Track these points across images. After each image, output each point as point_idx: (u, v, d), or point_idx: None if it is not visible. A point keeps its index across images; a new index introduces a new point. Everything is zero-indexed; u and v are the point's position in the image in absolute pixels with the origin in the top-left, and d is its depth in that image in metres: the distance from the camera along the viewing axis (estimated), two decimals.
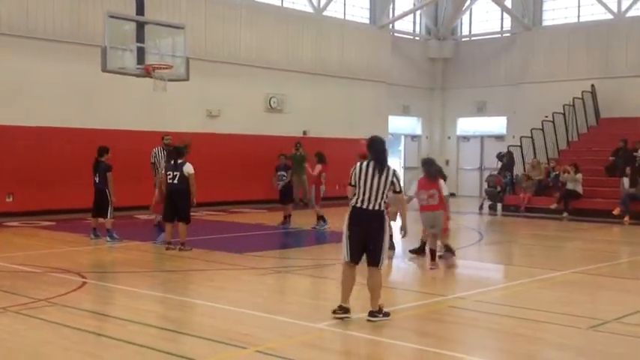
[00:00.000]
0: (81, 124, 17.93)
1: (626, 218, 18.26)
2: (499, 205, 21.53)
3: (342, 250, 7.27)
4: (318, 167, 15.51)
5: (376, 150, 7.30)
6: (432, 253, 10.71)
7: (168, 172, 12.29)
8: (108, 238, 13.13)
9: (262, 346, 6.30)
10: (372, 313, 7.16)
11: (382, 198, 7.15)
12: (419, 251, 11.76)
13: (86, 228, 14.20)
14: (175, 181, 12.13)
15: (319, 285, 9.90)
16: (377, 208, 7.14)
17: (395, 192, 7.30)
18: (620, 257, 13.46)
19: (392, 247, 12.52)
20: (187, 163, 12.18)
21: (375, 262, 7.21)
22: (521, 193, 20.81)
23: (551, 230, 16.37)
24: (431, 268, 10.53)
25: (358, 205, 7.16)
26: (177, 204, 12.17)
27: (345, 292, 7.25)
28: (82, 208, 15.90)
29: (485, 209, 21.72)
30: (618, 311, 7.85)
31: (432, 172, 10.97)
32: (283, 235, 15.57)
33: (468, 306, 7.93)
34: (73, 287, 8.87)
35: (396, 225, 9.39)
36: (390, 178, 7.18)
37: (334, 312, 7.21)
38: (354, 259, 7.23)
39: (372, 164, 7.19)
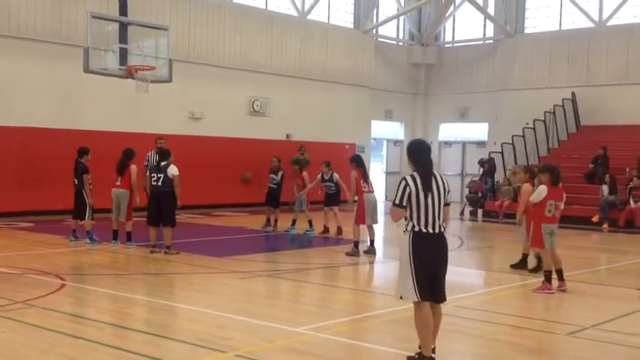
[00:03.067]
0: (62, 125, 17.81)
1: (605, 225, 18.44)
2: (480, 211, 21.65)
3: (402, 289, 5.94)
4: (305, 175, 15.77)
5: (423, 160, 6.00)
6: (560, 272, 9.58)
7: (152, 175, 12.22)
8: (87, 240, 13.04)
9: (243, 350, 6.29)
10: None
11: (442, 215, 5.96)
12: (522, 265, 11.05)
13: (66, 230, 14.10)
14: (159, 183, 12.05)
15: (300, 289, 9.89)
16: (442, 229, 5.97)
17: (446, 204, 5.99)
18: (599, 264, 13.58)
19: (373, 252, 12.58)
20: (172, 165, 12.10)
21: (444, 297, 6.04)
22: (499, 199, 20.94)
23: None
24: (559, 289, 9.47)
25: (423, 230, 5.87)
26: (161, 206, 12.09)
27: (428, 339, 5.90)
28: (62, 209, 15.80)
29: (467, 215, 21.84)
30: (596, 318, 7.93)
31: (559, 178, 9.72)
32: (265, 239, 15.56)
33: (448, 311, 7.95)
34: (52, 289, 8.81)
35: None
36: (447, 189, 5.99)
37: None
38: (426, 295, 5.90)
39: (420, 177, 5.90)
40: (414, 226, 5.88)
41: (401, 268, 5.97)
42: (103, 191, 13.34)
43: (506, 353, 6.60)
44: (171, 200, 12.11)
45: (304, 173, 15.90)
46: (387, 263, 11.91)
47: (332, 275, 11.22)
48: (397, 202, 5.88)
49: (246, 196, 21.08)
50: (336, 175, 15.29)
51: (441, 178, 6.01)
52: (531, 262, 11.02)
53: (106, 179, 13.29)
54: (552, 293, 9.29)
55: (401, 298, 5.99)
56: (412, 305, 5.96)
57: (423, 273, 5.85)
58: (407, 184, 5.86)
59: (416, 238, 5.88)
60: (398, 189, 5.91)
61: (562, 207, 9.76)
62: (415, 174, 5.93)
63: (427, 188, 5.86)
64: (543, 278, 9.54)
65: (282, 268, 11.55)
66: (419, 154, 6.01)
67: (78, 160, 13.27)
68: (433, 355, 5.94)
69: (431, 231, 5.87)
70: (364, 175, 12.67)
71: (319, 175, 15.47)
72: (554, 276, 9.57)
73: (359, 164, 12.71)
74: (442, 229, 5.94)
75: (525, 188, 10.81)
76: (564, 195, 9.85)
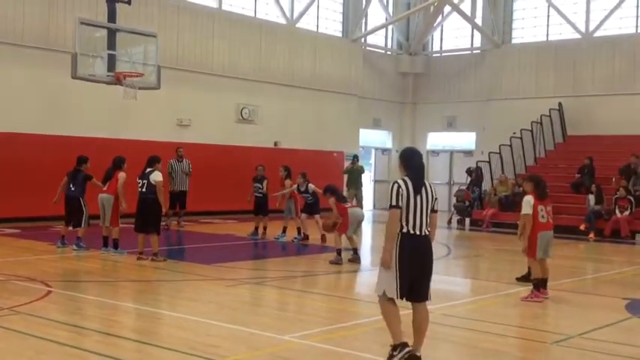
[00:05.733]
0: (49, 131, 17.74)
1: (591, 235, 18.54)
2: (467, 220, 21.73)
3: (384, 286, 6.03)
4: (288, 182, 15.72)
5: (414, 164, 6.16)
6: (544, 281, 9.65)
7: (138, 181, 12.17)
8: (75, 247, 12.95)
9: (230, 357, 6.28)
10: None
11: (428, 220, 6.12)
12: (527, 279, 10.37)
13: (52, 236, 14.01)
14: (144, 190, 12.00)
15: (288, 297, 9.89)
16: (427, 232, 6.12)
17: (433, 211, 6.14)
18: (585, 273, 13.65)
19: (357, 260, 12.59)
20: (156, 171, 12.03)
21: (427, 296, 6.19)
22: (486, 208, 21.03)
23: (518, 246, 16.54)
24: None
25: (411, 231, 6.00)
26: (145, 213, 12.04)
27: (399, 328, 6.08)
28: (49, 215, 15.72)
29: (454, 224, 21.91)
30: (582, 327, 7.97)
31: (545, 193, 9.85)
32: (253, 247, 15.54)
33: (435, 319, 7.96)
34: (38, 296, 8.76)
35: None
36: (434, 196, 6.15)
37: (392, 354, 6.01)
38: (405, 295, 6.05)
39: (410, 180, 6.05)
40: (402, 227, 5.99)
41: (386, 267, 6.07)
42: (90, 198, 13.26)
43: None
44: (154, 207, 12.01)
45: (287, 181, 15.87)
46: (372, 271, 11.90)
47: (318, 283, 11.23)
48: (393, 203, 5.97)
49: (235, 203, 21.03)
50: (311, 186, 15.30)
51: (429, 185, 6.17)
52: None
53: (91, 186, 13.21)
54: (540, 302, 9.34)
55: (383, 293, 6.04)
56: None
57: (407, 273, 5.97)
58: (399, 186, 5.99)
59: (404, 238, 5.99)
60: (391, 192, 6.01)
61: (550, 211, 9.80)
62: (406, 178, 6.06)
63: (417, 190, 6.01)
64: (532, 287, 9.59)
65: (269, 275, 11.55)
66: (412, 159, 6.17)
67: (77, 168, 13.15)
68: (404, 340, 5.99)
69: (418, 232, 6.01)
70: (342, 200, 13.00)
71: (295, 186, 15.53)
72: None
73: (333, 192, 12.87)
74: (427, 233, 6.08)
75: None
76: (551, 203, 9.92)
